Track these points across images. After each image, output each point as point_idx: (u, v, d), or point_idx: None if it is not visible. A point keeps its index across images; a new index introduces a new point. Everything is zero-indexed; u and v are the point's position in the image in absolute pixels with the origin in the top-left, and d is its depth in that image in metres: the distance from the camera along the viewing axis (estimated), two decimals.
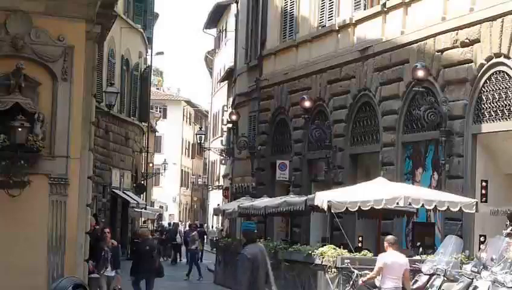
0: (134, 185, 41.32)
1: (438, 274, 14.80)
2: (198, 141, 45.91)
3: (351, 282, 15.82)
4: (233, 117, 31.87)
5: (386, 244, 14.07)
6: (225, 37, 53.32)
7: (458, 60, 18.35)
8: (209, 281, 27.47)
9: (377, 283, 15.32)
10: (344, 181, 22.43)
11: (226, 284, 24.28)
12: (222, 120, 51.30)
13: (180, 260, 39.02)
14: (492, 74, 17.52)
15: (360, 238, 21.50)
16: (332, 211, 16.79)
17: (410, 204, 16.96)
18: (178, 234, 40.94)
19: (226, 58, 50.51)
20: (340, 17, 24.04)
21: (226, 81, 48.72)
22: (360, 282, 15.13)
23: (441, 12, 19.20)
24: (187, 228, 44.58)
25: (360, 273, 15.70)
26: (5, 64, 12.89)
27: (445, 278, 14.69)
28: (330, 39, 24.65)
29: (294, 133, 26.60)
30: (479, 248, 16.36)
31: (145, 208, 43.50)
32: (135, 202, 39.33)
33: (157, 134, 63.88)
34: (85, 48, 13.74)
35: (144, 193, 44.71)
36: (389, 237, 14.41)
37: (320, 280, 16.68)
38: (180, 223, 55.99)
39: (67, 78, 13.25)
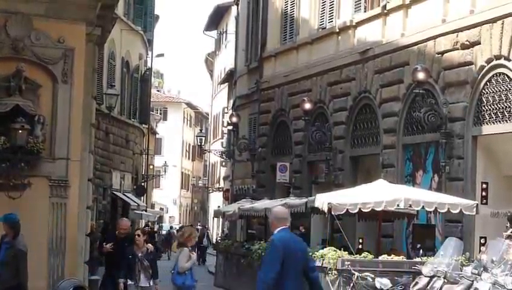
0: (135, 187, 41.29)
1: (438, 276, 14.78)
2: (199, 143, 45.92)
3: (352, 284, 15.81)
4: (234, 119, 31.86)
5: None
6: (225, 39, 53.31)
7: (458, 62, 18.35)
8: (209, 283, 27.42)
9: (378, 285, 15.33)
10: (344, 183, 22.42)
11: (226, 286, 24.27)
12: (222, 122, 51.29)
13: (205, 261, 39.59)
14: (493, 76, 17.52)
15: (360, 240, 21.48)
16: (332, 213, 16.78)
17: (410, 206, 16.95)
18: (205, 237, 41.10)
19: (226, 60, 50.51)
20: (341, 19, 24.05)
21: (227, 83, 48.70)
22: None
23: (441, 14, 19.20)
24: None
25: (360, 275, 15.69)
26: (6, 67, 12.92)
27: (446, 280, 14.67)
28: (330, 41, 24.65)
29: (294, 135, 26.59)
30: (480, 250, 16.36)
31: (146, 210, 43.50)
32: (135, 204, 39.29)
33: (157, 136, 63.89)
34: (85, 50, 13.77)
35: (145, 195, 44.70)
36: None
37: (321, 282, 16.61)
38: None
39: (67, 80, 13.28)
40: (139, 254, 13.94)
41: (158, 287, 14.36)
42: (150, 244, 14.56)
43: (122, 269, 13.87)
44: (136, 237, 14.20)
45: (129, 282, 13.82)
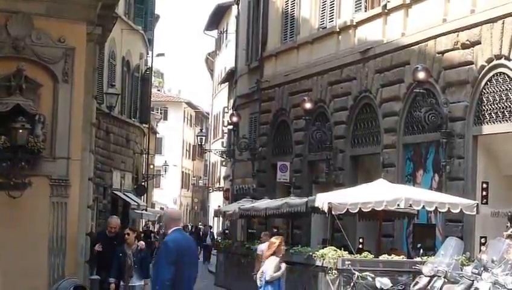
0: (135, 186, 41.30)
1: (438, 276, 14.78)
2: (199, 143, 45.92)
3: (352, 284, 15.82)
4: (234, 119, 31.85)
5: (263, 237, 18.55)
6: (226, 38, 53.30)
7: (459, 61, 18.35)
8: (210, 282, 27.44)
9: (378, 285, 15.34)
10: (345, 183, 22.42)
11: (227, 285, 24.28)
12: (223, 122, 51.30)
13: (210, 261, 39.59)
14: (493, 75, 17.52)
15: (360, 240, 21.49)
16: (333, 212, 16.78)
17: (411, 206, 16.95)
18: (208, 236, 41.11)
19: (226, 60, 50.49)
20: (341, 19, 24.05)
21: (227, 83, 48.70)
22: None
23: (442, 14, 19.20)
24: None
25: (360, 275, 15.69)
26: (6, 66, 12.92)
27: (446, 280, 14.67)
28: (331, 41, 24.65)
29: (295, 135, 26.60)
30: (480, 250, 16.36)
31: (146, 210, 43.51)
32: (136, 203, 39.29)
33: (158, 136, 63.88)
34: (86, 50, 13.78)
35: (145, 195, 44.71)
36: (265, 232, 19.44)
37: (321, 281, 16.67)
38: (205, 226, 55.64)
39: (68, 80, 13.29)
40: (129, 252, 13.63)
41: (148, 286, 13.81)
42: (141, 242, 14.14)
43: (113, 269, 13.63)
44: (126, 235, 13.81)
45: (122, 283, 13.56)
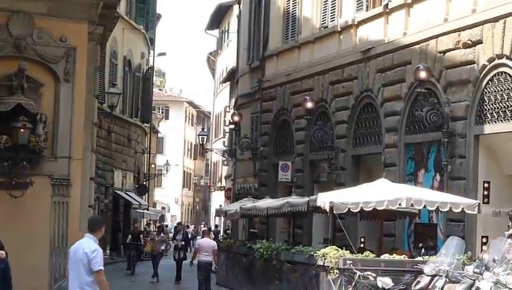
0: (137, 186, 41.33)
1: (440, 275, 14.80)
2: (201, 142, 45.96)
3: (353, 283, 15.82)
4: (236, 118, 31.84)
5: (204, 234, 22.04)
6: (227, 38, 53.31)
7: (460, 61, 18.34)
8: (212, 282, 27.39)
9: (379, 284, 15.35)
10: (346, 182, 22.41)
11: (228, 285, 24.27)
12: (224, 121, 51.29)
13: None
14: (495, 75, 17.50)
15: (362, 240, 21.49)
16: (334, 212, 16.77)
17: (412, 205, 16.95)
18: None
19: (228, 59, 50.51)
20: (343, 18, 24.04)
21: (228, 82, 48.71)
22: None
23: (443, 13, 19.19)
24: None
25: (362, 274, 15.69)
26: (8, 65, 12.95)
27: (447, 279, 14.69)
28: (332, 40, 24.64)
29: (296, 134, 26.59)
30: (481, 249, 16.36)
31: (147, 209, 43.55)
32: (137, 203, 39.34)
33: (159, 135, 63.94)
34: (87, 49, 13.80)
35: (146, 194, 44.74)
36: (204, 229, 23.47)
37: (322, 281, 16.66)
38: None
39: (69, 79, 13.32)
40: None
41: None
42: (1, 251, 11.55)
43: None
44: None
45: None
